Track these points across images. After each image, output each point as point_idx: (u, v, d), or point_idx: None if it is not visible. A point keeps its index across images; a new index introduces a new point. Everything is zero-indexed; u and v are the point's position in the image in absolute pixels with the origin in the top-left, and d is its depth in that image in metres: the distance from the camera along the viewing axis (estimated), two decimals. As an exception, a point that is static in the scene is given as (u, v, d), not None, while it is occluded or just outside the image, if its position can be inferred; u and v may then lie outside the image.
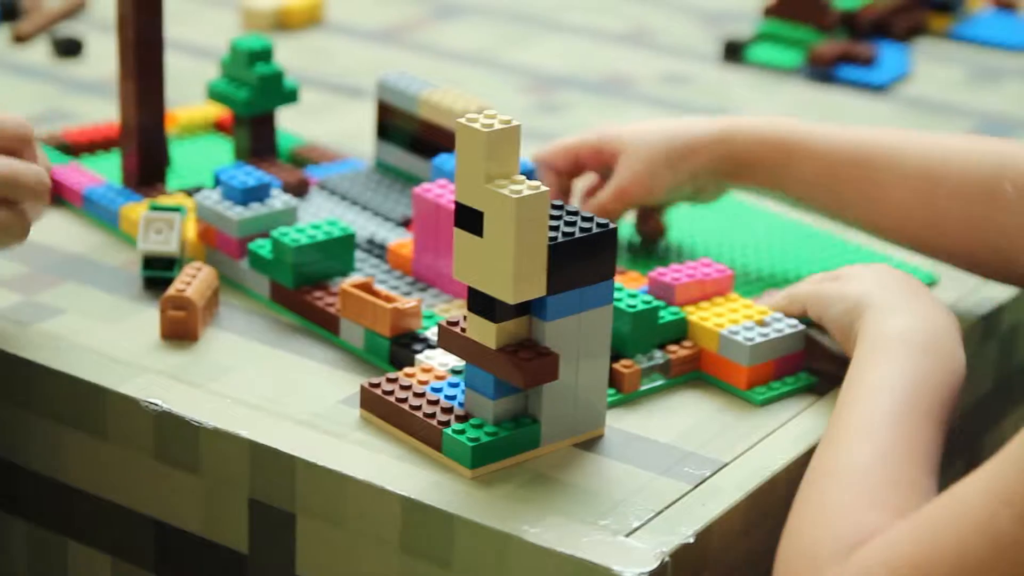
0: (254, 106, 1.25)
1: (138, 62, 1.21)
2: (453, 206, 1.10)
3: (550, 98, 1.53)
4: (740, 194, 1.24)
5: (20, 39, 1.58)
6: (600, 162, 1.23)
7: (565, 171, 1.24)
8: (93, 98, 1.46)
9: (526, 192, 0.89)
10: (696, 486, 0.94)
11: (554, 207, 0.95)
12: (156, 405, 0.98)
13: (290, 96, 1.26)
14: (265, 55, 1.25)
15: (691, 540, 0.89)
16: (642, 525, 0.90)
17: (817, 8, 1.65)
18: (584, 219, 0.94)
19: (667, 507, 0.91)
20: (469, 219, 0.91)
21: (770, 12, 1.67)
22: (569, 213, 0.95)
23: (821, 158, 1.15)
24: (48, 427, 1.03)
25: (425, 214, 1.12)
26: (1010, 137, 1.46)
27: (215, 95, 1.26)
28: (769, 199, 1.20)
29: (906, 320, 0.98)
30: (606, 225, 0.94)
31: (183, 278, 1.07)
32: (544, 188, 0.89)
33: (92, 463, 1.02)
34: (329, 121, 1.43)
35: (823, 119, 1.50)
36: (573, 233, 0.93)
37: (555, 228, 0.93)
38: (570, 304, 0.94)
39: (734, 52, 1.65)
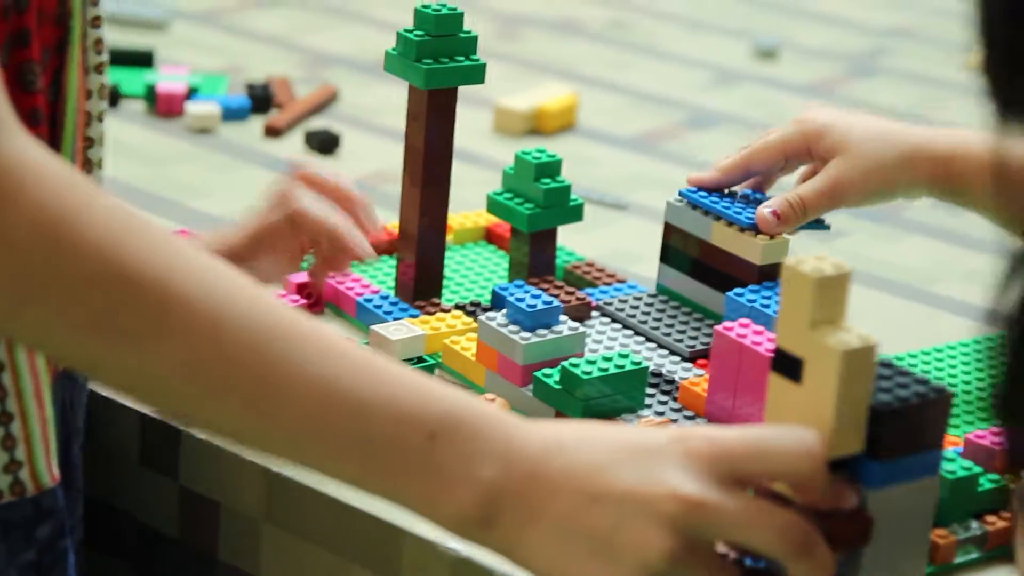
0: (537, 222, 1.18)
1: (425, 169, 1.15)
2: (756, 347, 1.04)
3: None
4: None
5: (273, 132, 1.53)
6: (808, 156, 1.17)
7: (769, 169, 1.18)
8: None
9: (853, 343, 0.82)
10: None
11: (884, 366, 0.87)
12: (454, 551, 0.91)
13: (575, 213, 1.20)
14: (553, 169, 1.18)
15: None
16: None
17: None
18: (917, 382, 0.87)
19: None
20: (788, 365, 0.84)
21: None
22: (900, 374, 0.87)
23: None
24: (331, 560, 0.96)
25: (725, 352, 1.06)
26: None
27: (495, 208, 1.19)
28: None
29: None
30: (942, 390, 0.87)
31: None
32: (873, 341, 0.82)
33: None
34: (595, 235, 1.35)
35: None
36: (908, 398, 0.86)
37: (888, 391, 0.86)
38: (896, 472, 0.86)
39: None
